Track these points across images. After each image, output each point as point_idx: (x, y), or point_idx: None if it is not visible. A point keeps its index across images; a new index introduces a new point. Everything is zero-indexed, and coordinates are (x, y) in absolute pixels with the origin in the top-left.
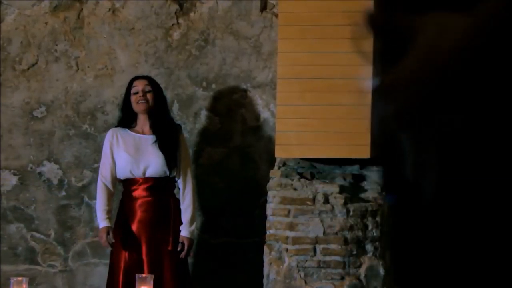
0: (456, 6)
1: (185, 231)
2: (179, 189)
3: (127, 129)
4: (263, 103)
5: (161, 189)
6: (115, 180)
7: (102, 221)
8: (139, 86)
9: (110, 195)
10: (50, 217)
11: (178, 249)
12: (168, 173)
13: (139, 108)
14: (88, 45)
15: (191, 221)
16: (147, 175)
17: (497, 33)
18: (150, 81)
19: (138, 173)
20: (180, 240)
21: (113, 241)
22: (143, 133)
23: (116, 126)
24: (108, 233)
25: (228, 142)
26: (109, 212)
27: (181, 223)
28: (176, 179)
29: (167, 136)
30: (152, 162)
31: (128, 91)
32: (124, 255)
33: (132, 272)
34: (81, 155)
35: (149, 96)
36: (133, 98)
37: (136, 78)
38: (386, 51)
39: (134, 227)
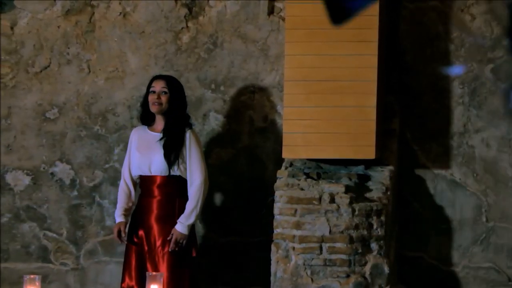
0: None
1: (178, 224)
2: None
3: (146, 127)
4: (270, 104)
5: (169, 188)
6: (132, 178)
7: (117, 217)
8: (156, 86)
9: (129, 194)
10: (62, 216)
11: (168, 238)
12: (169, 169)
13: (153, 109)
14: (99, 48)
15: (187, 217)
16: (152, 172)
17: None
18: (168, 82)
19: (145, 170)
20: (171, 231)
21: (124, 236)
22: (158, 131)
23: (141, 122)
24: (120, 229)
25: (236, 143)
26: (126, 210)
27: None
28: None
29: (171, 133)
30: (155, 158)
31: (148, 89)
32: (136, 251)
33: (142, 268)
34: (92, 155)
35: (163, 98)
36: (150, 98)
37: (156, 77)
38: None
39: (144, 225)
